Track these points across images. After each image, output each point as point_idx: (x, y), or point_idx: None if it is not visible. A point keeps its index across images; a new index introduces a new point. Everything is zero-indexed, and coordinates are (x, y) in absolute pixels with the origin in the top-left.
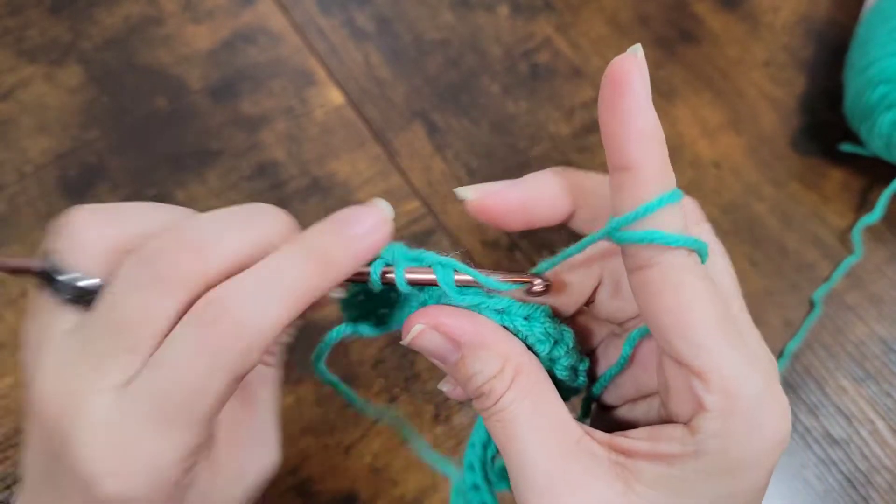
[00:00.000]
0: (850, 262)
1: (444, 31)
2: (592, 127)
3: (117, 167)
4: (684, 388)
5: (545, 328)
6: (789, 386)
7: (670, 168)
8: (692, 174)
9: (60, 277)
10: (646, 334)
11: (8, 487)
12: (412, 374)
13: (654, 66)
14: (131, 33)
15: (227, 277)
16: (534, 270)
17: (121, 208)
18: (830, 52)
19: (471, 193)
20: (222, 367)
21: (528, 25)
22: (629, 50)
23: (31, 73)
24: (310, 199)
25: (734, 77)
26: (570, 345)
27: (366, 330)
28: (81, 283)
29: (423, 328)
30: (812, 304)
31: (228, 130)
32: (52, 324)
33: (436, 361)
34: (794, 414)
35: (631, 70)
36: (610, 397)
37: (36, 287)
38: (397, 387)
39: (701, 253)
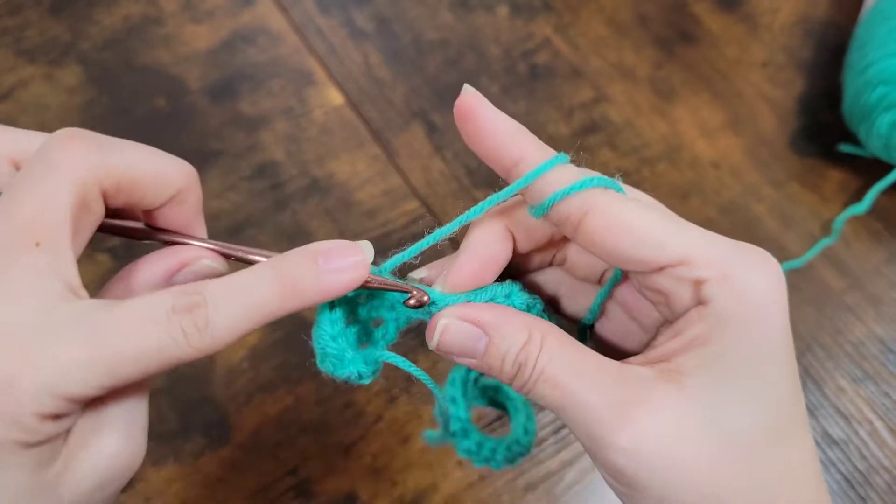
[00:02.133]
0: (824, 243)
1: (444, 32)
2: (592, 127)
3: None
4: (677, 285)
5: (523, 299)
6: None
7: (543, 145)
8: (691, 174)
9: None
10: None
11: None
12: None
13: (654, 67)
14: (131, 33)
15: (124, 187)
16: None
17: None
18: (829, 53)
19: (423, 274)
20: (173, 350)
21: (527, 26)
22: (462, 91)
23: (31, 73)
24: (309, 199)
25: (733, 78)
26: (541, 308)
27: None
28: None
29: (448, 322)
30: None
31: (228, 130)
32: None
33: (464, 360)
34: None
35: (468, 102)
36: (629, 346)
37: None
38: (397, 387)
39: (611, 186)
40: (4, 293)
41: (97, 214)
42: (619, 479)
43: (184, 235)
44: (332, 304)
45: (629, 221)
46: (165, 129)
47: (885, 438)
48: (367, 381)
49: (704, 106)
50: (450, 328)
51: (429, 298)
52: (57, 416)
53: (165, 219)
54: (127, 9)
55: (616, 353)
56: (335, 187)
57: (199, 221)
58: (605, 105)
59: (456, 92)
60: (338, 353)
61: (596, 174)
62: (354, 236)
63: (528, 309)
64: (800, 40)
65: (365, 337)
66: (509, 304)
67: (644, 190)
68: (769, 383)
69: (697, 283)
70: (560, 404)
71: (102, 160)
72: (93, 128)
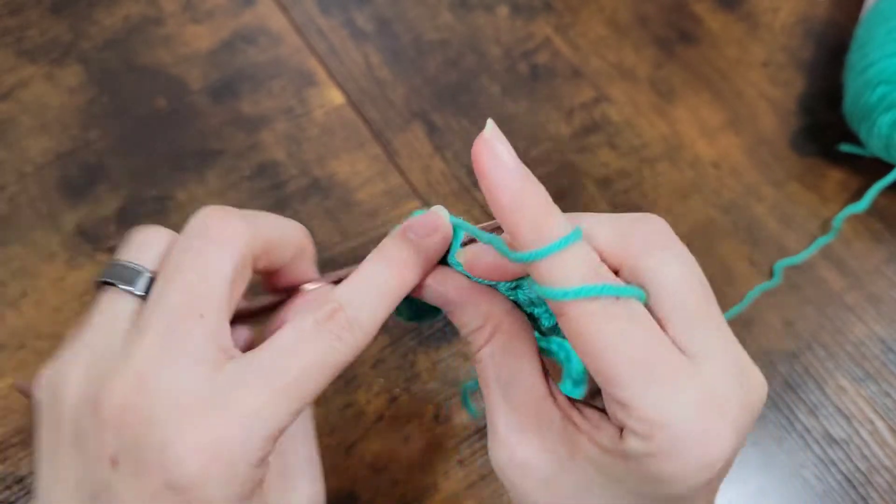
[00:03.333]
0: (822, 241)
1: (444, 32)
2: (592, 128)
3: (117, 167)
4: (613, 409)
5: (528, 296)
6: (789, 386)
7: (546, 222)
8: (691, 174)
9: (121, 263)
10: None
11: (8, 487)
12: (412, 374)
13: (654, 67)
14: (131, 33)
15: (270, 252)
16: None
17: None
18: (830, 52)
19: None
20: (335, 356)
21: (527, 26)
22: (485, 128)
23: (31, 73)
24: (310, 199)
25: (733, 77)
26: (545, 309)
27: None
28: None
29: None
30: (772, 274)
31: (228, 130)
32: (117, 313)
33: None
34: (793, 413)
35: (480, 151)
36: None
37: (100, 291)
38: (397, 387)
39: (611, 293)
40: (183, 364)
41: (248, 279)
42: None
43: (306, 283)
44: None
45: (594, 348)
46: (166, 128)
47: (886, 438)
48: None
49: (705, 106)
50: (423, 288)
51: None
52: (263, 459)
53: (286, 273)
54: (127, 9)
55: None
56: (336, 187)
57: (314, 269)
58: (606, 105)
59: (456, 92)
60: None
61: (601, 281)
62: (355, 236)
63: (532, 306)
64: (800, 40)
65: None
66: (513, 296)
67: (644, 190)
68: None
69: (623, 428)
70: (482, 393)
71: (252, 231)
72: (93, 127)
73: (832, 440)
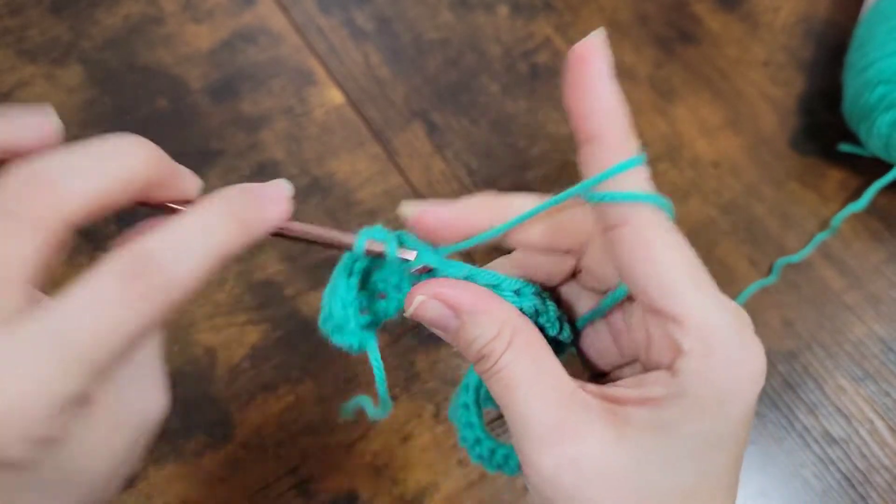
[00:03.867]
0: (821, 237)
1: (444, 31)
2: None
3: None
4: (663, 337)
5: (533, 303)
6: (788, 386)
7: (632, 137)
8: (691, 174)
9: None
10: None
11: None
12: (412, 373)
13: (654, 66)
14: (131, 33)
15: (90, 213)
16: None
17: None
18: (829, 52)
19: (409, 210)
20: (141, 319)
21: (527, 25)
22: (591, 34)
23: (32, 73)
24: (309, 198)
25: (733, 77)
26: (553, 317)
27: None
28: None
29: (424, 299)
30: (770, 270)
31: (228, 130)
32: None
33: (437, 331)
34: (793, 413)
35: (592, 51)
36: (601, 363)
37: None
38: (397, 387)
39: (666, 210)
40: None
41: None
42: (535, 497)
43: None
44: (349, 272)
45: (655, 254)
46: (166, 128)
47: (885, 437)
48: (354, 353)
49: (705, 105)
50: (425, 305)
51: (430, 267)
52: (64, 412)
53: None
54: (127, 8)
55: (586, 364)
56: (335, 186)
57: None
58: None
59: (456, 91)
60: (342, 321)
61: (654, 192)
62: None
63: (537, 314)
64: (800, 40)
65: (366, 304)
66: (517, 302)
67: None
68: (704, 470)
69: (678, 350)
70: (505, 405)
71: (77, 199)
72: (93, 127)
73: (831, 440)
